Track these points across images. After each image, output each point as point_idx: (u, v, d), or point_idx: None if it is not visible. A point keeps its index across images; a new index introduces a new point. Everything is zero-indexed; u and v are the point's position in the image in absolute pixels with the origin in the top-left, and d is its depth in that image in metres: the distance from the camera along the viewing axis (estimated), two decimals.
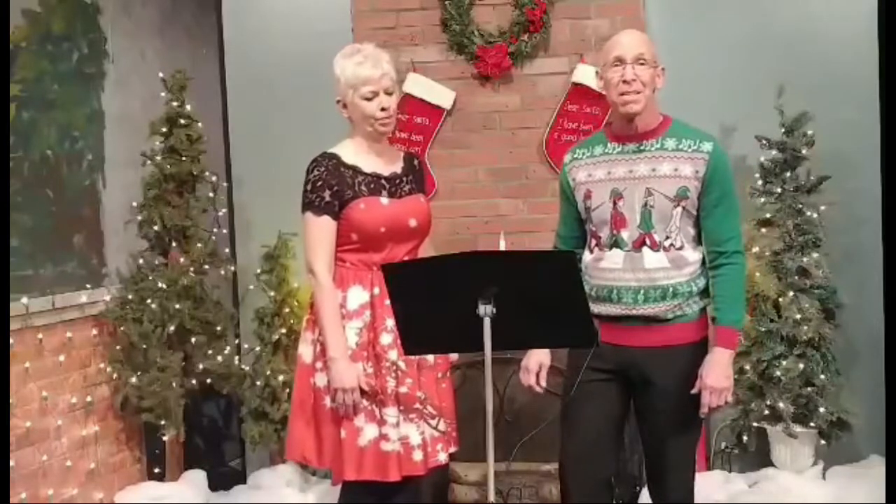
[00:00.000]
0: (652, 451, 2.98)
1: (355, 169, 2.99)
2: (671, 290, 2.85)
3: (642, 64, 2.83)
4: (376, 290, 2.96)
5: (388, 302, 2.79)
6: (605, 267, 2.90)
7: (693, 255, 2.88)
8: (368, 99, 2.96)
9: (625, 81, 2.82)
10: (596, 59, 4.37)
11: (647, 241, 2.85)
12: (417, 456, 2.96)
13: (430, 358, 3.03)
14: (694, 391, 2.82)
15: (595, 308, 2.89)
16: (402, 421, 2.95)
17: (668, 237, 2.85)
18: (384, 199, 2.99)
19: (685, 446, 2.95)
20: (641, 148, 2.88)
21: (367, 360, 2.95)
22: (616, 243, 2.88)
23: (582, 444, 2.96)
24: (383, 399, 2.94)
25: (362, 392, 2.91)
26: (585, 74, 4.41)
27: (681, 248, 2.86)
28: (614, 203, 2.88)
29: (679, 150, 2.85)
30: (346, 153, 3.02)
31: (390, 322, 2.89)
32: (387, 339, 2.96)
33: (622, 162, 2.90)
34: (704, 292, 2.90)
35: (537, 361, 2.98)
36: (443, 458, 3.05)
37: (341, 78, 2.99)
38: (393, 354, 2.95)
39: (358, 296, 2.97)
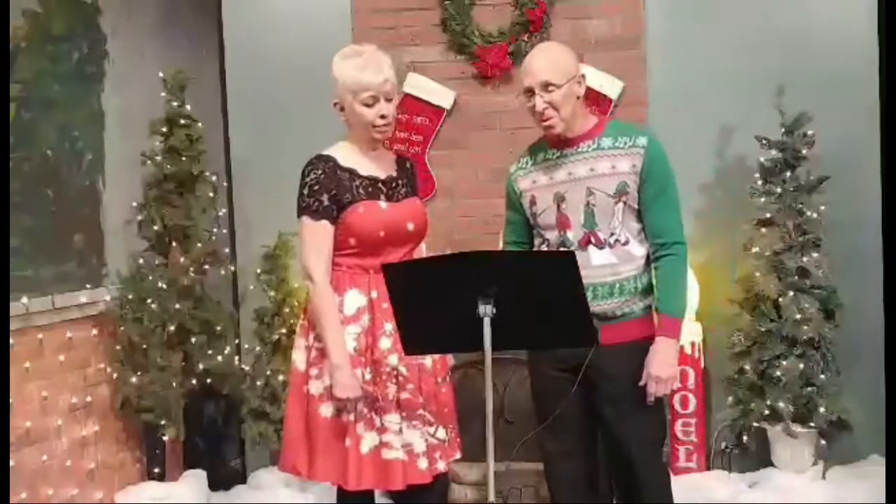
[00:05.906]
0: (614, 452, 2.99)
1: (352, 172, 2.92)
2: (618, 286, 2.90)
3: (550, 90, 2.86)
4: (374, 294, 2.88)
5: (385, 305, 2.76)
6: None
7: (638, 250, 2.93)
8: (368, 105, 2.87)
9: (536, 112, 2.88)
10: (596, 60, 4.43)
11: (592, 240, 2.91)
12: (422, 464, 2.88)
13: (428, 362, 2.96)
14: (641, 382, 2.85)
15: None
16: (405, 428, 2.87)
17: (612, 233, 2.90)
18: (383, 203, 2.92)
19: (646, 444, 2.96)
20: (579, 150, 2.94)
21: (365, 365, 2.87)
22: (563, 244, 2.93)
23: (559, 442, 3.00)
24: (384, 406, 2.85)
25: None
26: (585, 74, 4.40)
27: (626, 243, 2.91)
28: (558, 206, 2.94)
29: (615, 148, 2.91)
30: (342, 155, 2.94)
31: (389, 326, 2.83)
32: (386, 343, 2.88)
33: (562, 166, 2.95)
34: (648, 290, 2.95)
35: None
36: (441, 466, 2.97)
37: (340, 81, 2.90)
38: (393, 359, 2.88)
39: (355, 300, 2.89)
